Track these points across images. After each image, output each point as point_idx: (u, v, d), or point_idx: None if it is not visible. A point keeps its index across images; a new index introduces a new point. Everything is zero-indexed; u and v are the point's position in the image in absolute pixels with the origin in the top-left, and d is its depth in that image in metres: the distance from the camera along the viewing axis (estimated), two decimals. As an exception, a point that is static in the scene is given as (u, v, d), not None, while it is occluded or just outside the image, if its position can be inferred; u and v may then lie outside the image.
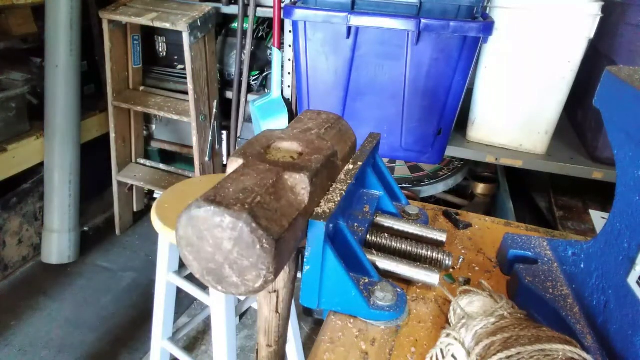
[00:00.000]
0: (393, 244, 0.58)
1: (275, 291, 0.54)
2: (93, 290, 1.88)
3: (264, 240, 0.38)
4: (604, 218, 1.39)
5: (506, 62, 1.31)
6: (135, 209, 2.35)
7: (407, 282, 0.57)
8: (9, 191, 1.89)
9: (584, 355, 0.40)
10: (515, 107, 1.35)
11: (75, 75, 1.87)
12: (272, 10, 1.79)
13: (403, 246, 0.58)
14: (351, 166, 0.56)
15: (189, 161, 2.35)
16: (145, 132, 2.32)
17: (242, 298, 1.48)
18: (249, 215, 0.37)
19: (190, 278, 1.24)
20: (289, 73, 1.87)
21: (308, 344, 1.69)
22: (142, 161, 2.26)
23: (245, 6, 1.87)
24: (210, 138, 1.99)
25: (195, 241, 0.40)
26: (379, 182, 0.63)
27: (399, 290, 0.52)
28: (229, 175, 0.44)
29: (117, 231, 2.25)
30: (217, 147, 2.06)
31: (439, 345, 0.46)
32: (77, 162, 1.96)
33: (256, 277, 0.39)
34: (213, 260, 0.40)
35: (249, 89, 2.02)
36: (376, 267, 0.54)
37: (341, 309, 0.51)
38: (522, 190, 1.66)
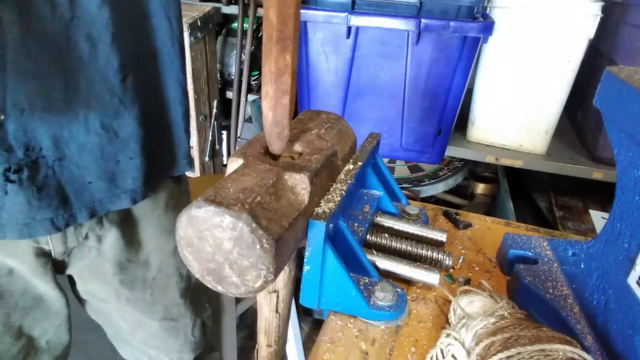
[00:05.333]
0: (393, 244, 0.58)
1: (275, 291, 0.54)
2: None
3: (264, 240, 0.38)
4: (604, 218, 1.39)
5: (506, 62, 1.31)
6: (135, 209, 2.35)
7: (407, 282, 0.57)
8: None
9: (584, 355, 0.40)
10: (516, 107, 1.35)
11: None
12: (272, 10, 1.78)
13: (403, 246, 0.58)
14: (351, 166, 0.56)
15: (189, 161, 2.35)
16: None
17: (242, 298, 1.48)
18: (249, 215, 0.37)
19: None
20: (289, 73, 1.87)
21: (308, 344, 1.69)
22: (142, 161, 2.25)
23: (245, 6, 1.87)
24: (210, 138, 1.99)
25: (195, 241, 0.40)
26: (379, 182, 0.63)
27: (399, 290, 0.52)
28: (229, 175, 0.44)
29: (117, 231, 2.25)
30: (217, 147, 2.06)
31: (439, 345, 0.46)
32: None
33: (256, 277, 0.39)
34: (213, 260, 0.40)
35: (249, 89, 2.02)
36: (376, 267, 0.54)
37: (341, 309, 0.51)
38: (522, 190, 1.66)
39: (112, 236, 0.73)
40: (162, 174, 0.74)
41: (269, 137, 0.47)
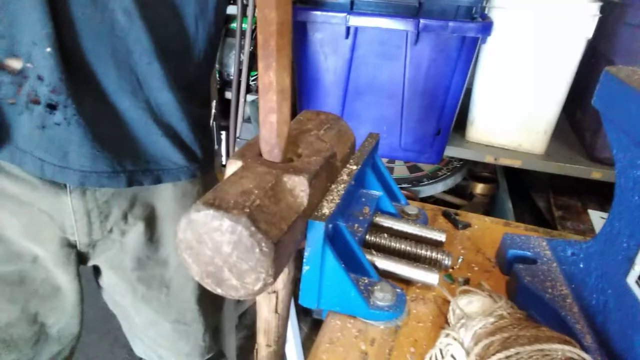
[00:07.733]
0: (392, 244, 0.59)
1: (274, 292, 0.54)
2: (93, 291, 1.88)
3: (263, 244, 0.38)
4: (603, 218, 1.39)
5: (505, 62, 1.31)
6: (134, 210, 2.35)
7: (407, 282, 0.57)
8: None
9: (583, 355, 0.40)
10: (514, 107, 1.35)
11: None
12: (270, 10, 1.78)
13: (402, 246, 0.58)
14: (350, 167, 0.56)
15: (188, 161, 2.35)
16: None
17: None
18: (248, 218, 0.37)
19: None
20: (288, 73, 1.87)
21: (307, 344, 1.69)
22: (141, 162, 2.25)
23: (245, 6, 1.87)
24: (209, 138, 1.99)
25: (195, 244, 0.40)
26: (378, 182, 0.63)
27: (398, 290, 0.52)
28: (228, 178, 0.44)
29: (117, 232, 2.24)
30: (216, 147, 2.06)
31: (438, 345, 0.47)
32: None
33: (255, 280, 0.40)
34: (212, 263, 0.40)
35: (249, 89, 2.02)
36: (375, 267, 0.54)
37: (340, 309, 0.51)
38: (521, 190, 1.66)
39: (135, 231, 0.74)
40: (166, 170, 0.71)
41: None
